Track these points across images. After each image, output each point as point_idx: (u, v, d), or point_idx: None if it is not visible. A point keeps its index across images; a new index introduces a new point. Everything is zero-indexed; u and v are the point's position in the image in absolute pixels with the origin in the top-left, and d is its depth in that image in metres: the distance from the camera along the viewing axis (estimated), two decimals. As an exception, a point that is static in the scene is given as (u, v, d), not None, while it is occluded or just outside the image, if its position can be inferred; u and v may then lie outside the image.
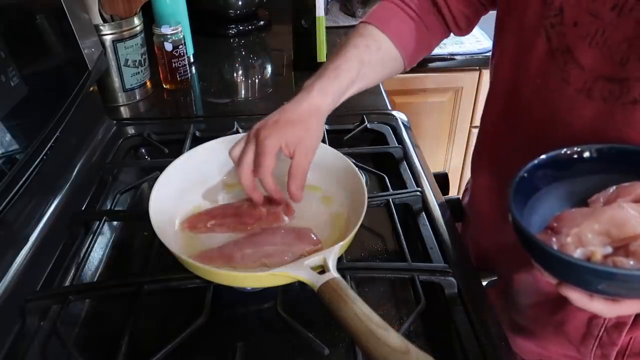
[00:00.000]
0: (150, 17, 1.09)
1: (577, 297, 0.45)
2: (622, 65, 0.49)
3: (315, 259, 0.53)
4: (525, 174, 0.50)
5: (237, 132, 0.85)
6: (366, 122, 0.90)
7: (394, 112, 0.97)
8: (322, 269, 0.52)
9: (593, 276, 0.41)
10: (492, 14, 0.71)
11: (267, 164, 0.57)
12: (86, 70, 0.79)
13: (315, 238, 0.59)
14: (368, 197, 0.61)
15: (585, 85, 0.52)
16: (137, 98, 1.06)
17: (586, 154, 0.51)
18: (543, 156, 0.51)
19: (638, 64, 0.48)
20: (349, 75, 0.61)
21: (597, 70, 0.51)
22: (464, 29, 0.69)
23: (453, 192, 1.20)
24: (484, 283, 0.62)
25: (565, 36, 0.53)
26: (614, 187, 0.48)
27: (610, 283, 0.41)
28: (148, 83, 1.08)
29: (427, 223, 0.69)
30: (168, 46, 1.05)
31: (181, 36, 1.07)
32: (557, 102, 0.56)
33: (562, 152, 0.51)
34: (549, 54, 0.55)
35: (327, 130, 0.85)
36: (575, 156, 0.51)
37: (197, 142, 0.79)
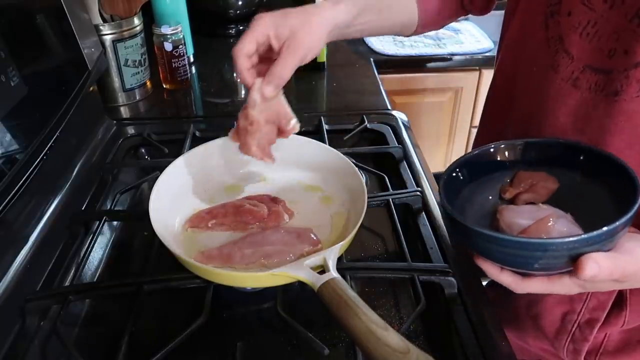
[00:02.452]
0: (150, 17, 1.09)
1: (488, 267, 0.48)
2: (609, 57, 0.50)
3: (315, 259, 0.53)
4: (452, 173, 0.55)
5: (237, 132, 0.85)
6: (366, 122, 0.90)
7: (394, 112, 0.97)
8: (322, 269, 0.52)
9: (485, 241, 0.45)
10: (493, 13, 0.71)
11: (242, 43, 0.52)
12: (86, 70, 0.79)
13: (315, 238, 0.59)
14: (368, 197, 0.61)
15: (573, 74, 0.53)
16: (137, 98, 1.06)
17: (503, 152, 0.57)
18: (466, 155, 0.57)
19: (623, 56, 0.48)
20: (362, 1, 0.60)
21: (585, 61, 0.52)
22: (483, 9, 0.70)
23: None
24: (484, 283, 0.62)
25: (560, 25, 0.53)
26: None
27: (500, 249, 0.45)
28: (148, 83, 1.08)
29: (427, 223, 0.69)
30: (168, 46, 1.05)
31: (181, 36, 1.07)
32: (544, 90, 0.56)
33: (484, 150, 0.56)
34: (544, 42, 0.56)
35: (327, 130, 0.86)
36: (492, 151, 0.57)
37: (197, 142, 0.79)
